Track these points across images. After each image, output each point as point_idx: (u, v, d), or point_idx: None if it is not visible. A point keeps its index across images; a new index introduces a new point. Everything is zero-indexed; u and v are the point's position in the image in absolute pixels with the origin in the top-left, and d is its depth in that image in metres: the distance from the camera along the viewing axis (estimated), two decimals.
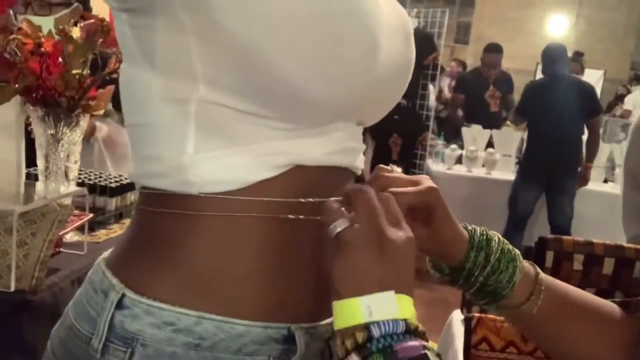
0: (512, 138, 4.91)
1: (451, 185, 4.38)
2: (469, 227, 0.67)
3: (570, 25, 10.18)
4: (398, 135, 4.79)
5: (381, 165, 0.65)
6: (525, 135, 4.51)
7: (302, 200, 0.59)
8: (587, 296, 0.68)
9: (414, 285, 0.54)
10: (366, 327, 0.50)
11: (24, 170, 1.43)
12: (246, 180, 0.57)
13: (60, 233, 1.24)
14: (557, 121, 3.98)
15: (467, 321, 1.22)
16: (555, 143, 3.99)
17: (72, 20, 1.30)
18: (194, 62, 0.54)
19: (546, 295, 0.65)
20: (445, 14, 4.82)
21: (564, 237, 1.24)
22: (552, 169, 4.07)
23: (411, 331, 0.51)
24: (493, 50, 5.26)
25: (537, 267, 0.68)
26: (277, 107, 0.55)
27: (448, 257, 0.66)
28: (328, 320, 0.62)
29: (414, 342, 0.50)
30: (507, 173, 4.61)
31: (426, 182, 0.63)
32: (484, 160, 4.69)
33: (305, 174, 0.59)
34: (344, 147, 0.62)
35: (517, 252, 0.67)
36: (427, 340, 0.51)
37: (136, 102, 0.59)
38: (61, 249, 1.36)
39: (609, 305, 0.68)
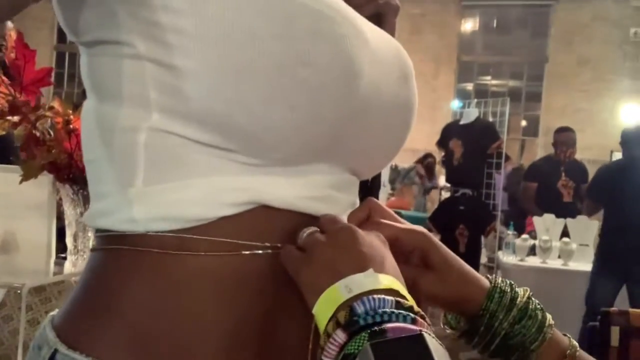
0: (588, 227, 4.61)
1: (524, 277, 4.09)
2: (490, 276, 0.59)
3: None
4: (464, 227, 4.61)
5: (372, 198, 0.59)
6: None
7: (269, 245, 0.51)
8: None
9: (401, 278, 0.48)
10: (347, 305, 0.43)
11: (53, 250, 1.41)
12: (199, 218, 0.49)
13: None
14: (635, 206, 3.70)
15: None
16: (633, 229, 3.69)
17: None
18: (147, 89, 0.49)
19: None
20: (507, 102, 4.76)
21: (632, 310, 1.06)
22: (632, 258, 3.73)
23: (404, 308, 0.43)
24: (565, 129, 5.06)
25: (569, 335, 0.58)
26: (237, 137, 0.49)
27: (465, 302, 0.56)
28: None
29: (408, 324, 0.42)
30: (585, 264, 4.29)
31: (415, 227, 0.58)
32: (559, 250, 4.40)
33: (274, 218, 0.52)
34: (325, 195, 0.55)
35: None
36: (427, 323, 0.43)
37: (88, 137, 0.55)
38: None
39: None
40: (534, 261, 4.41)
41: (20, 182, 1.22)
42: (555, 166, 5.00)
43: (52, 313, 0.58)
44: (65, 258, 1.48)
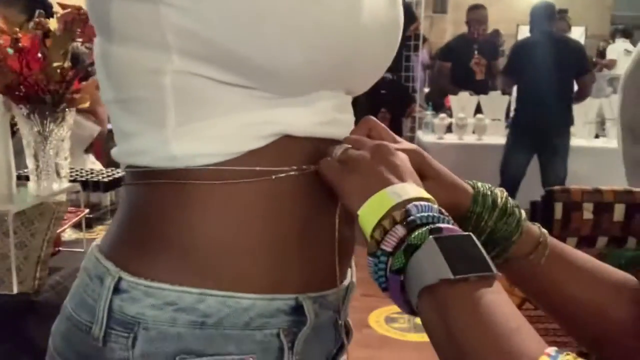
0: (500, 102, 4.89)
1: (443, 154, 4.33)
2: (471, 182, 0.66)
3: None
4: (386, 110, 4.76)
5: (370, 117, 0.64)
6: (512, 98, 4.48)
7: (296, 168, 0.57)
8: (593, 260, 0.65)
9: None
10: (401, 207, 0.50)
11: (14, 171, 1.39)
12: (233, 151, 0.55)
13: (58, 231, 1.20)
14: (546, 80, 3.91)
15: None
16: (544, 103, 3.93)
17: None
18: (165, 32, 0.52)
19: (552, 248, 0.63)
20: None
21: (572, 187, 1.22)
22: (542, 129, 4.01)
23: (446, 215, 0.51)
24: (477, 7, 5.17)
25: (538, 224, 0.67)
26: (257, 76, 0.54)
27: (455, 206, 0.63)
28: (336, 289, 0.61)
29: (454, 226, 0.49)
30: (498, 137, 4.59)
31: (410, 146, 0.63)
32: (474, 126, 4.67)
33: (296, 145, 0.57)
34: (333, 118, 0.60)
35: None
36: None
37: (111, 77, 0.57)
38: (61, 248, 1.32)
39: (621, 273, 0.64)
40: (451, 138, 4.68)
41: None
42: (468, 45, 5.16)
43: (95, 243, 0.62)
44: (21, 177, 1.46)
